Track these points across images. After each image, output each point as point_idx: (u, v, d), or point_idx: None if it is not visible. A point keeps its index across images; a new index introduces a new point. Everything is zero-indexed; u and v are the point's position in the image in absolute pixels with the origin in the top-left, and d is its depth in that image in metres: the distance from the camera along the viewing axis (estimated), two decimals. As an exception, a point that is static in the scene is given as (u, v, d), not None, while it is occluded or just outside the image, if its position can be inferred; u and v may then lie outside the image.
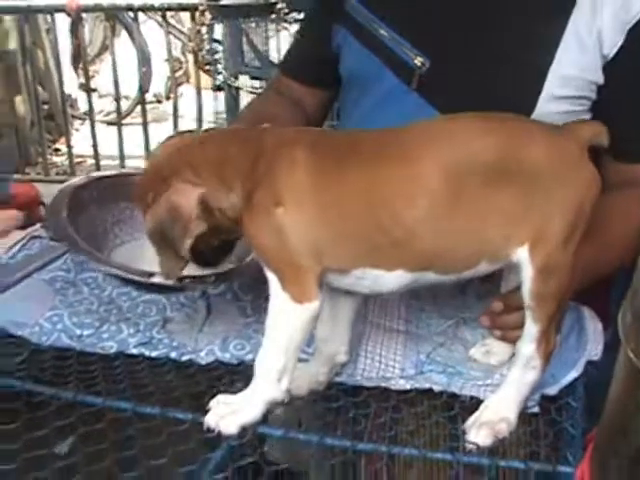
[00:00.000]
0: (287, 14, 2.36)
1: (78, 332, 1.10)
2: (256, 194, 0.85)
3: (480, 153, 0.84)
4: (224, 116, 3.80)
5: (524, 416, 0.93)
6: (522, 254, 0.86)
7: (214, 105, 4.03)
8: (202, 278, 1.02)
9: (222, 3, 2.69)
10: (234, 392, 0.92)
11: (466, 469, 0.89)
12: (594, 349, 1.02)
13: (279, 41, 3.17)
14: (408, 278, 0.87)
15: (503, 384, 0.93)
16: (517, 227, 0.85)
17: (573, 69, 1.11)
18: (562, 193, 0.85)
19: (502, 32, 1.14)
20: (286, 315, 0.86)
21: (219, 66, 3.62)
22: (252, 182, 0.86)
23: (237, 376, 1.02)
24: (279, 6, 2.34)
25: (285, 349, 0.87)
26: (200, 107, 3.85)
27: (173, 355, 1.07)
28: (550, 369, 0.96)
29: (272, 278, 0.86)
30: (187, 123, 4.14)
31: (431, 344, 1.07)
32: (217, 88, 4.31)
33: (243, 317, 1.15)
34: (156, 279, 0.98)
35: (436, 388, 1.00)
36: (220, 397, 0.91)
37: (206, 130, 0.99)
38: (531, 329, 0.89)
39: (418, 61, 1.18)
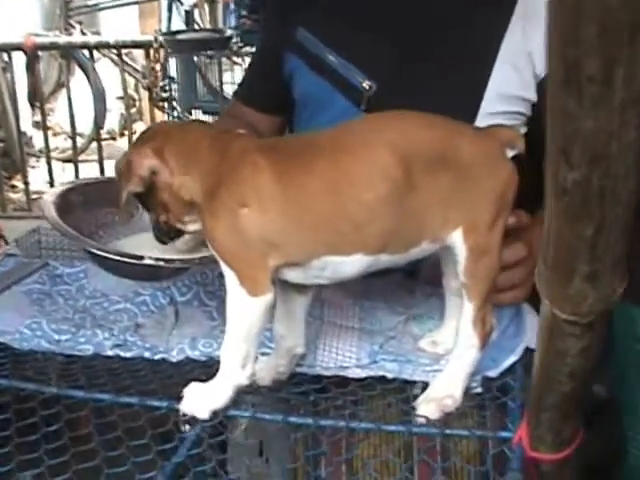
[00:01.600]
0: (241, 48, 2.47)
1: (56, 337, 1.18)
2: (219, 193, 0.94)
3: (424, 143, 0.95)
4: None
5: (470, 395, 1.03)
6: (456, 237, 0.97)
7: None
8: (189, 260, 1.10)
9: (179, 38, 2.80)
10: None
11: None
12: (533, 337, 1.14)
13: (233, 75, 3.30)
14: (365, 262, 0.96)
15: (448, 364, 1.03)
16: (452, 211, 0.96)
17: (507, 88, 1.23)
18: (488, 184, 0.97)
19: (441, 53, 1.26)
20: (244, 308, 0.95)
21: (173, 102, 3.73)
22: (214, 178, 0.95)
23: (206, 370, 1.11)
24: (234, 40, 2.45)
25: (245, 338, 0.97)
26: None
27: (147, 355, 1.15)
28: (491, 354, 1.08)
29: (229, 274, 0.95)
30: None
31: (383, 337, 1.17)
32: (172, 124, 4.39)
33: (209, 320, 1.24)
34: (147, 260, 1.07)
35: (389, 375, 1.10)
36: (192, 385, 1.00)
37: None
38: (467, 308, 1.00)
39: (366, 84, 1.29)
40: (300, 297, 1.06)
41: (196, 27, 3.92)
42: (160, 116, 4.02)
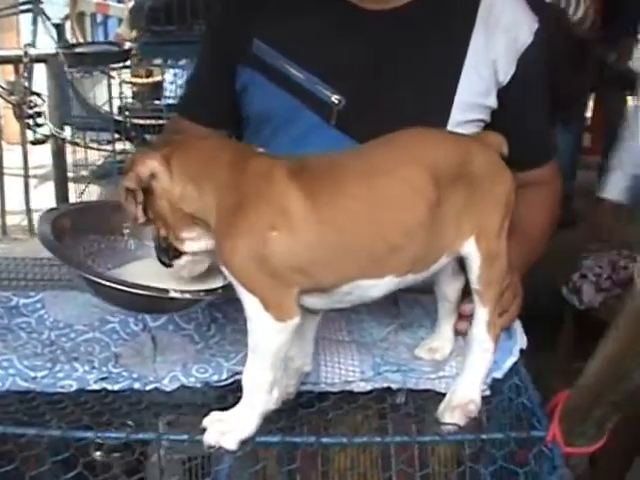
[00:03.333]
0: (141, 61, 2.38)
1: (32, 374, 1.08)
2: (242, 213, 0.89)
3: (447, 158, 0.96)
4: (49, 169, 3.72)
5: (483, 398, 1.04)
6: (470, 246, 0.98)
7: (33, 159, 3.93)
8: (210, 291, 1.04)
9: (78, 51, 2.66)
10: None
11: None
12: (521, 338, 1.17)
13: (110, 90, 3.17)
14: (394, 284, 0.95)
15: (464, 370, 1.04)
16: (465, 222, 0.97)
17: (473, 96, 1.25)
18: (495, 192, 0.99)
19: (409, 64, 1.26)
20: (270, 334, 0.91)
21: (40, 119, 3.54)
22: (234, 196, 0.90)
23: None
24: (134, 52, 2.36)
25: (273, 364, 0.93)
26: (26, 161, 3.72)
27: (137, 386, 1.08)
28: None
29: (250, 299, 0.90)
30: (9, 179, 3.96)
31: (380, 348, 1.16)
32: (37, 142, 4.19)
33: (192, 344, 1.18)
34: (175, 294, 1.00)
35: (394, 386, 1.09)
36: (214, 415, 0.95)
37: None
38: (481, 313, 1.02)
39: (335, 98, 1.27)
40: (311, 318, 1.02)
41: (74, 41, 3.74)
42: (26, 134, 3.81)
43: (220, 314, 1.24)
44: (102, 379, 1.09)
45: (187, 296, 1.01)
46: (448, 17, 1.27)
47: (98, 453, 1.12)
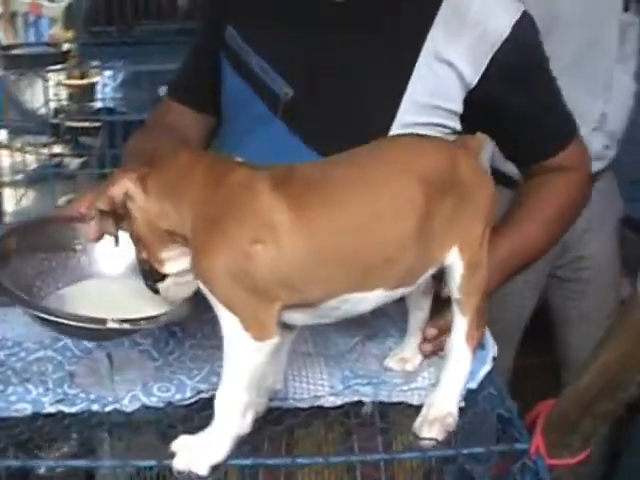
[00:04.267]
0: (81, 62, 2.30)
1: (-18, 398, 1.01)
2: (221, 227, 0.84)
3: (436, 167, 0.92)
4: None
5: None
6: (453, 256, 0.95)
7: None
8: (153, 318, 0.98)
9: (15, 53, 2.55)
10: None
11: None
12: (493, 346, 1.15)
13: (47, 93, 3.05)
14: (383, 297, 0.91)
15: (440, 382, 1.01)
16: (450, 232, 0.94)
17: (426, 97, 1.19)
18: (478, 200, 0.96)
19: (358, 63, 1.21)
20: (248, 354, 0.86)
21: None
22: (210, 209, 0.85)
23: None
24: (72, 54, 2.27)
25: (248, 385, 0.88)
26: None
27: (95, 408, 1.02)
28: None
29: (229, 318, 0.85)
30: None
31: (348, 360, 1.12)
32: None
33: (151, 361, 1.12)
34: (112, 324, 0.94)
35: (365, 399, 1.06)
36: (182, 439, 0.90)
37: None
38: (461, 323, 0.99)
39: (284, 91, 1.23)
40: (288, 334, 0.97)
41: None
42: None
43: (177, 328, 1.18)
44: (58, 401, 1.03)
45: (126, 326, 0.95)
46: (407, 10, 1.20)
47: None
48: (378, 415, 1.08)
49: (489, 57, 1.15)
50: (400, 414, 1.07)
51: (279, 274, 0.85)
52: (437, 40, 1.18)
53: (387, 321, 1.21)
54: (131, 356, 1.14)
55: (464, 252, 0.95)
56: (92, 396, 1.04)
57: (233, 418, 0.88)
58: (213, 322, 1.16)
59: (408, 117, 1.20)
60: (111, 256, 1.04)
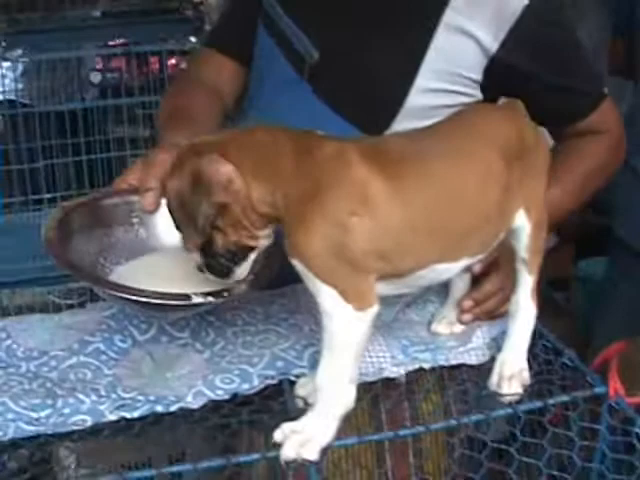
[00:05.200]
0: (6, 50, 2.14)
1: (34, 415, 0.93)
2: (317, 201, 0.82)
3: (510, 136, 0.93)
4: None
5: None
6: (520, 217, 0.96)
7: None
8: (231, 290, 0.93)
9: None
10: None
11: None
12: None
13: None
14: (465, 265, 0.92)
15: (509, 339, 1.01)
16: (519, 195, 0.94)
17: (445, 64, 1.18)
18: (539, 160, 0.98)
19: (381, 28, 1.20)
20: (351, 326, 0.84)
21: None
22: (304, 185, 0.83)
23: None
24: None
25: (355, 357, 0.86)
26: None
27: (159, 409, 0.96)
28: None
29: (327, 291, 0.83)
30: None
31: (397, 330, 1.11)
32: None
33: (197, 354, 1.07)
34: (198, 299, 0.89)
35: (426, 366, 1.06)
36: (286, 427, 0.86)
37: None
38: (526, 281, 0.99)
39: (309, 53, 1.22)
40: None
41: None
42: None
43: (213, 317, 1.13)
44: (117, 408, 0.96)
45: (210, 299, 0.91)
46: None
47: None
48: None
49: (509, 26, 1.15)
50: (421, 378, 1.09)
51: (375, 245, 0.84)
52: (456, 10, 1.17)
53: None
54: (172, 351, 1.08)
55: (531, 212, 0.96)
56: (151, 397, 0.98)
57: (340, 395, 0.86)
58: (245, 309, 1.14)
59: (426, 83, 1.20)
60: (168, 227, 0.98)
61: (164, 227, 1.00)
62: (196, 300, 0.90)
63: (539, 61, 1.18)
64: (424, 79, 1.20)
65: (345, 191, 0.82)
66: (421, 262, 0.88)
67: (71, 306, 1.53)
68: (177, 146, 1.01)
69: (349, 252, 0.82)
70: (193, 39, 2.29)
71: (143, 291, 0.90)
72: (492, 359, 1.05)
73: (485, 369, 1.04)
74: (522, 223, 0.96)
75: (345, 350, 0.85)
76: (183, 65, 2.40)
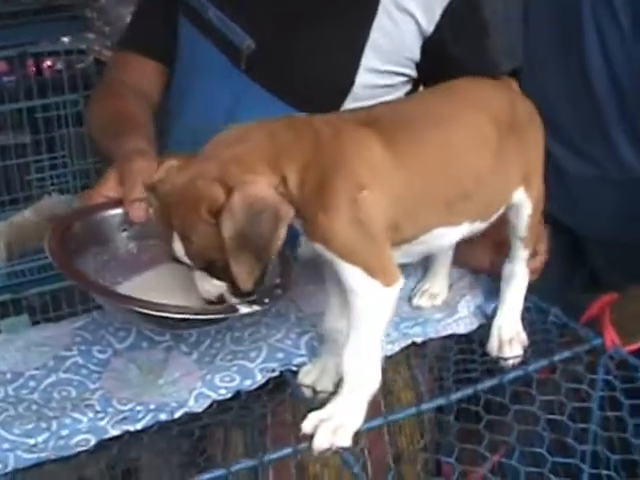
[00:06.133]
0: None
1: (31, 441, 0.87)
2: (327, 184, 0.79)
3: (501, 106, 0.94)
4: None
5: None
6: (521, 194, 0.97)
7: None
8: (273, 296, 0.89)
9: None
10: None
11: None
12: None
13: None
14: (465, 231, 0.91)
15: (504, 305, 1.03)
16: (517, 170, 0.95)
17: (387, 45, 1.18)
18: (536, 136, 0.99)
19: (320, 12, 1.18)
20: (379, 303, 0.83)
21: None
22: (317, 173, 0.80)
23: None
24: None
25: (380, 337, 0.85)
26: None
27: (163, 417, 0.91)
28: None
29: (353, 271, 0.81)
30: None
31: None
32: None
33: (185, 356, 1.02)
34: (245, 309, 0.84)
35: (417, 340, 1.06)
36: (313, 416, 0.83)
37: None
38: (523, 254, 1.02)
39: (246, 43, 1.18)
40: None
41: None
42: None
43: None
44: (118, 422, 0.90)
45: (256, 308, 0.86)
46: None
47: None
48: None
49: (443, 6, 1.17)
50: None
51: (387, 215, 0.83)
52: None
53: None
54: (156, 357, 1.03)
55: (529, 190, 0.97)
56: (152, 406, 0.92)
57: (370, 375, 0.84)
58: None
59: (373, 63, 1.19)
60: (156, 238, 0.92)
61: (153, 239, 0.95)
62: (244, 310, 0.84)
63: (462, 45, 1.19)
64: (370, 59, 1.19)
65: (350, 168, 0.81)
66: (422, 227, 0.88)
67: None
68: (146, 153, 0.97)
69: (366, 227, 0.81)
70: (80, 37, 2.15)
71: (186, 307, 0.85)
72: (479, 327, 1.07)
73: (451, 342, 1.07)
74: (522, 202, 0.98)
75: (375, 328, 0.84)
76: (59, 66, 2.28)
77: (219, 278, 0.83)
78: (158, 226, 0.83)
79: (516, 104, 0.97)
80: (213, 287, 0.84)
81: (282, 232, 0.79)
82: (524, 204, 0.98)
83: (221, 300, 0.85)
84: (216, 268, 0.82)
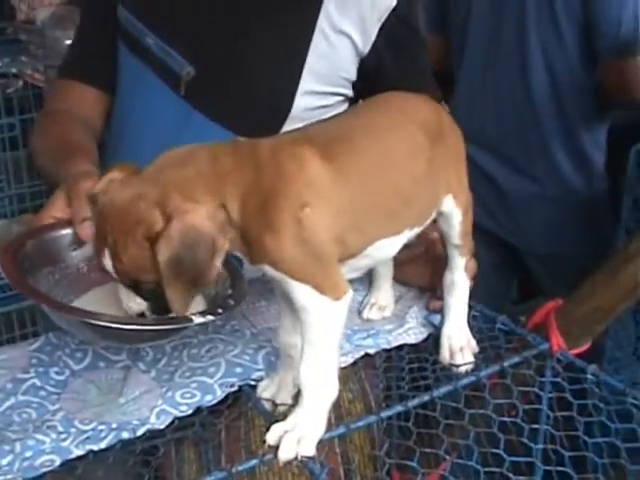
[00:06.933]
0: None
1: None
2: (270, 206, 0.81)
3: (430, 118, 0.97)
4: None
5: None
6: (449, 202, 1.00)
7: None
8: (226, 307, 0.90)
9: None
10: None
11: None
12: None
13: None
14: (405, 238, 0.94)
15: (449, 314, 1.06)
16: (444, 179, 0.99)
17: (325, 67, 1.23)
18: (458, 148, 1.03)
19: (258, 37, 1.22)
20: (330, 316, 0.85)
21: None
22: (258, 196, 0.82)
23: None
24: None
25: (336, 347, 0.87)
26: None
27: (125, 435, 0.92)
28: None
29: (302, 289, 0.83)
30: None
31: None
32: None
33: (142, 374, 1.03)
34: (199, 319, 0.85)
35: (371, 351, 1.09)
36: (277, 428, 0.85)
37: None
38: (460, 262, 1.05)
39: (185, 69, 1.21)
40: None
41: None
42: None
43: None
44: (82, 442, 0.90)
45: (210, 318, 0.87)
46: None
47: None
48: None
49: (378, 26, 1.22)
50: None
51: (332, 229, 0.84)
52: (330, 12, 1.22)
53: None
54: (114, 376, 1.04)
55: (458, 198, 1.01)
56: (114, 425, 0.93)
57: (326, 387, 0.86)
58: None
59: (310, 86, 1.23)
60: None
61: None
62: (198, 320, 0.85)
63: (397, 63, 1.25)
64: (307, 82, 1.23)
65: (291, 187, 0.82)
66: (367, 239, 0.89)
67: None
68: (92, 174, 0.98)
69: (313, 244, 0.82)
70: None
71: (141, 319, 0.86)
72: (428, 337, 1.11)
73: (398, 354, 1.11)
74: (452, 208, 1.01)
75: (328, 341, 0.86)
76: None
77: (142, 297, 0.85)
78: (93, 237, 0.84)
79: (441, 114, 1.01)
80: (135, 304, 0.86)
81: (218, 262, 0.80)
82: (453, 212, 1.01)
83: (142, 316, 0.87)
84: (141, 289, 0.84)
